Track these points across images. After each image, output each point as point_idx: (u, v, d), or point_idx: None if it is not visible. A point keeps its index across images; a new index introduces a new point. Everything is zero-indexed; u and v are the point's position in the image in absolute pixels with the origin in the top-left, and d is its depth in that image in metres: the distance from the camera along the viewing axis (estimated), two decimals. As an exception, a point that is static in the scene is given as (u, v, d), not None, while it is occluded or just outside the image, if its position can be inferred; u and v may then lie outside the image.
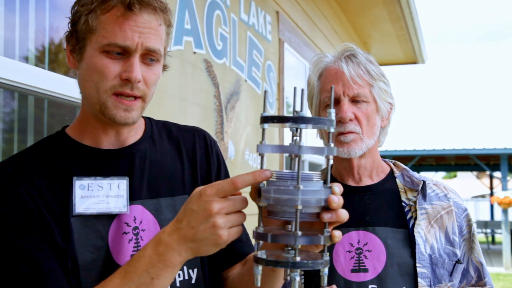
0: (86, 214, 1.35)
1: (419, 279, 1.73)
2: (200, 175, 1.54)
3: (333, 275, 1.73)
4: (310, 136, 5.73)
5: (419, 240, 1.76)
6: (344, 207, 1.82)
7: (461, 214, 1.86)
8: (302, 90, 1.00)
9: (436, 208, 1.83)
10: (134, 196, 1.41)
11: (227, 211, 1.06)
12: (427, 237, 1.78)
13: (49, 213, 1.30)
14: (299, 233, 0.96)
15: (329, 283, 1.71)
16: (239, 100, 4.47)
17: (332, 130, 1.00)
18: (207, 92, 3.92)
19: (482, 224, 22.46)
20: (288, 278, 1.00)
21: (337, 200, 1.00)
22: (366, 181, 1.87)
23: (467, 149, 15.96)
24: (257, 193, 1.02)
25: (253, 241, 1.59)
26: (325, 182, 1.02)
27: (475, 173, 23.91)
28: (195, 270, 1.46)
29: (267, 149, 1.02)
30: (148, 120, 1.56)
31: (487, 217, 27.43)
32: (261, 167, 1.04)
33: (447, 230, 1.81)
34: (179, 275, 1.42)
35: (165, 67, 1.46)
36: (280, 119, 0.99)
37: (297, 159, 1.02)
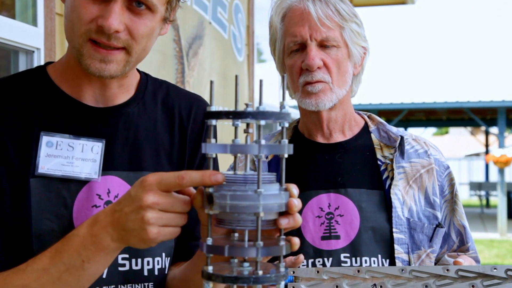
0: (49, 176, 1.34)
1: (395, 246, 1.76)
2: (188, 153, 1.52)
3: (302, 243, 1.74)
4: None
5: (396, 202, 1.79)
6: (313, 166, 1.84)
7: (442, 172, 1.89)
8: (261, 81, 0.97)
9: (415, 167, 1.85)
10: (112, 166, 1.40)
11: (163, 208, 1.04)
12: (405, 199, 1.81)
13: (6, 168, 1.30)
14: (261, 244, 0.95)
15: (297, 252, 1.72)
16: (203, 45, 4.43)
17: (286, 125, 0.99)
18: (165, 36, 3.87)
19: (476, 186, 22.91)
20: None
21: (298, 204, 1.00)
22: (337, 137, 1.88)
23: (460, 102, 16.12)
24: (204, 199, 1.00)
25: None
26: (279, 183, 1.01)
27: (469, 128, 24.27)
28: (169, 259, 1.47)
29: (216, 149, 0.98)
30: (145, 77, 1.54)
31: (481, 178, 27.97)
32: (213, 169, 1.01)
33: (427, 190, 1.84)
34: (158, 262, 1.43)
35: (167, 21, 1.40)
36: (237, 115, 0.95)
37: (248, 160, 1.00)
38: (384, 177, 1.83)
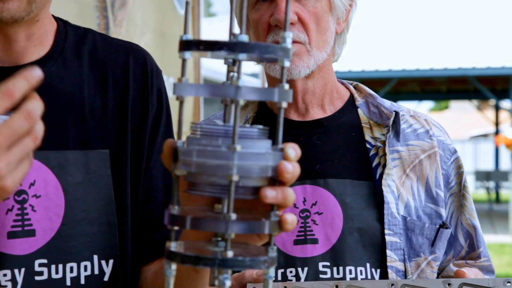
0: None
1: (388, 252, 1.78)
2: (130, 121, 1.52)
3: None
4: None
5: (388, 196, 1.81)
6: None
7: (448, 158, 1.91)
8: (242, 1, 0.96)
9: (413, 151, 1.87)
10: None
11: (5, 144, 0.98)
12: (400, 192, 1.83)
13: None
14: (233, 216, 0.93)
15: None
16: (133, -7, 4.39)
17: (286, 64, 0.96)
18: (84, -19, 3.83)
19: (483, 175, 23.27)
20: (216, 282, 0.97)
21: (291, 168, 0.96)
22: (316, 113, 1.89)
23: (464, 69, 16.27)
24: (172, 155, 0.98)
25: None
26: (273, 142, 0.99)
27: (475, 102, 24.60)
28: (110, 262, 1.47)
29: (189, 91, 0.96)
30: (63, 26, 1.52)
31: (490, 166, 28.44)
32: (179, 119, 0.99)
33: (428, 181, 1.86)
34: (85, 267, 1.44)
35: None
36: (209, 45, 0.93)
37: (233, 106, 0.97)
38: (374, 164, 1.85)
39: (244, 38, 0.93)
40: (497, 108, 23.77)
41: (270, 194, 0.96)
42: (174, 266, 0.96)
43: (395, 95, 21.25)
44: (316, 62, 1.80)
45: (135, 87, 1.54)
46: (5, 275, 1.37)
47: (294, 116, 1.89)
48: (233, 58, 0.97)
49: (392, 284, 1.59)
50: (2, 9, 1.30)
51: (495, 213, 21.40)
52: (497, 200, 24.71)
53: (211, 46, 0.93)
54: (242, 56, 0.94)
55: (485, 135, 34.80)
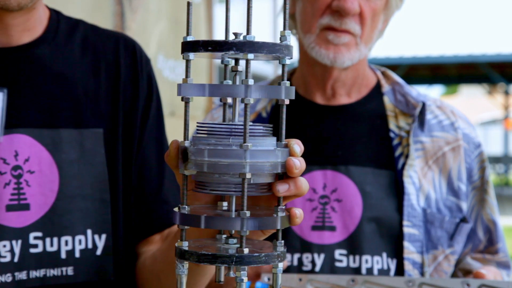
0: None
1: (405, 243, 1.76)
2: (122, 102, 1.56)
3: (286, 233, 1.74)
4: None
5: (409, 187, 1.78)
6: (306, 134, 1.83)
7: (472, 151, 1.88)
8: (249, 1, 0.96)
9: (437, 142, 1.84)
10: (18, 121, 1.44)
11: None
12: (422, 183, 1.80)
13: None
14: (247, 213, 0.95)
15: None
16: (148, -20, 4.39)
17: (287, 62, 0.98)
18: (100, -33, 3.81)
19: (493, 160, 23.33)
20: (222, 278, 1.01)
21: (299, 164, 1.00)
22: (341, 99, 1.87)
23: (474, 55, 16.27)
24: (180, 155, 0.99)
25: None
26: (277, 138, 1.01)
27: (485, 87, 24.54)
28: (103, 236, 1.50)
29: (194, 91, 0.98)
30: (55, 15, 1.57)
31: (499, 150, 28.47)
32: (185, 120, 1.00)
33: (450, 174, 1.83)
34: (79, 241, 1.47)
35: None
36: (218, 46, 0.95)
37: (237, 106, 1.00)
38: (397, 154, 1.82)
39: (252, 37, 0.95)
40: (507, 94, 23.76)
41: (283, 188, 0.99)
42: (186, 265, 0.99)
43: (406, 81, 21.24)
44: (360, 57, 1.80)
45: (126, 72, 1.58)
46: (4, 246, 1.42)
47: (319, 100, 1.87)
48: (241, 58, 0.99)
49: (410, 281, 1.58)
50: None
51: (505, 197, 21.44)
52: (507, 183, 24.78)
53: (220, 46, 0.94)
54: (250, 55, 0.95)
55: (494, 120, 34.78)
